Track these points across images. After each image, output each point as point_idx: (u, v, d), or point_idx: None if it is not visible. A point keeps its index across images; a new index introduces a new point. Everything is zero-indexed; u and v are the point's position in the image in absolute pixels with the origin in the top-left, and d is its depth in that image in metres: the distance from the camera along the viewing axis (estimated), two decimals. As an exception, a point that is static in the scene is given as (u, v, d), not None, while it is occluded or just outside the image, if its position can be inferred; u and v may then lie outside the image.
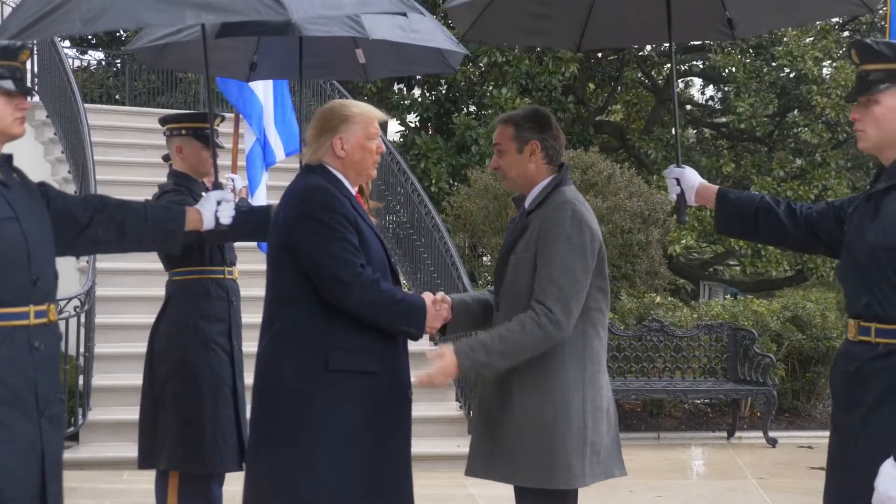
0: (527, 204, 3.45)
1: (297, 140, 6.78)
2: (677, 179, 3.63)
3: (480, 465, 3.42)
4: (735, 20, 4.08)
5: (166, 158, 4.89)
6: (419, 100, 14.36)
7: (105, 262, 8.28)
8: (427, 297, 3.40)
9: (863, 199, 3.08)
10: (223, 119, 5.06)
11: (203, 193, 4.50)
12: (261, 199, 6.31)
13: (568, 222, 3.28)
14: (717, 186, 3.55)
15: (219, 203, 3.73)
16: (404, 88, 14.76)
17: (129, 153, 10.95)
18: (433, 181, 12.85)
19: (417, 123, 14.92)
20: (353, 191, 3.45)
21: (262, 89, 6.56)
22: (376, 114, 3.46)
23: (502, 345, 3.25)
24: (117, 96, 15.59)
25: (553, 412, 3.26)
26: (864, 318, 2.93)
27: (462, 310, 3.56)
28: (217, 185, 3.99)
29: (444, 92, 14.36)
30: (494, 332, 3.33)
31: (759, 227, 3.38)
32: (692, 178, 3.61)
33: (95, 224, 3.41)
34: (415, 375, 3.35)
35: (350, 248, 3.25)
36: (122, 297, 8.53)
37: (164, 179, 4.75)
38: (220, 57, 4.83)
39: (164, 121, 4.74)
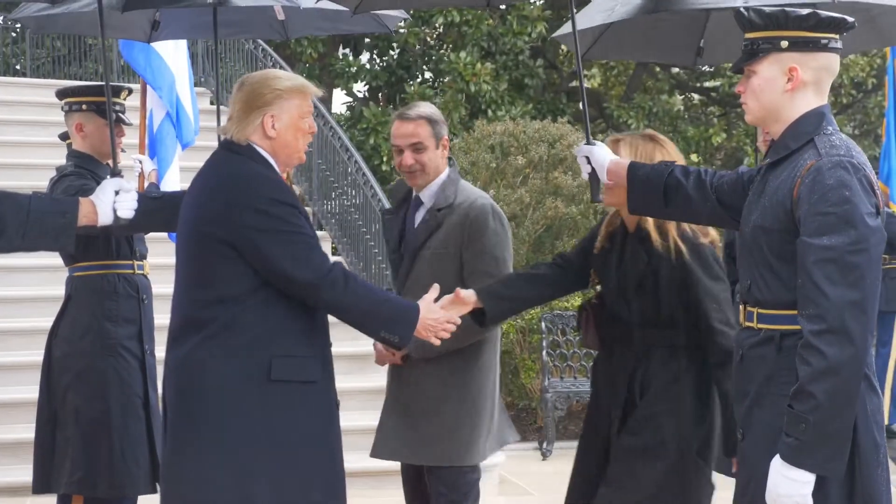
0: (428, 198, 4.13)
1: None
2: (587, 157, 3.73)
3: (390, 446, 4.15)
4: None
5: (64, 137, 4.88)
6: (367, 66, 14.33)
7: None
8: (424, 300, 3.58)
9: (757, 173, 3.19)
10: (130, 92, 5.03)
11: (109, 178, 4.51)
12: (172, 182, 6.27)
13: (490, 218, 4.09)
14: (628, 162, 3.62)
15: (117, 193, 3.66)
16: (350, 54, 14.72)
17: (31, 132, 10.83)
18: (384, 158, 12.80)
19: (366, 93, 14.91)
20: (284, 176, 3.48)
21: (173, 52, 6.43)
22: (311, 89, 3.48)
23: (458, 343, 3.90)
24: (17, 66, 15.45)
25: (471, 398, 4.06)
26: (749, 302, 3.06)
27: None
28: (116, 172, 3.94)
29: (395, 58, 14.34)
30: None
31: (669, 204, 3.47)
32: (602, 155, 3.70)
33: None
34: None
35: (311, 242, 3.32)
36: (20, 297, 8.44)
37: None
38: (116, 16, 4.71)
39: (61, 94, 4.71)
